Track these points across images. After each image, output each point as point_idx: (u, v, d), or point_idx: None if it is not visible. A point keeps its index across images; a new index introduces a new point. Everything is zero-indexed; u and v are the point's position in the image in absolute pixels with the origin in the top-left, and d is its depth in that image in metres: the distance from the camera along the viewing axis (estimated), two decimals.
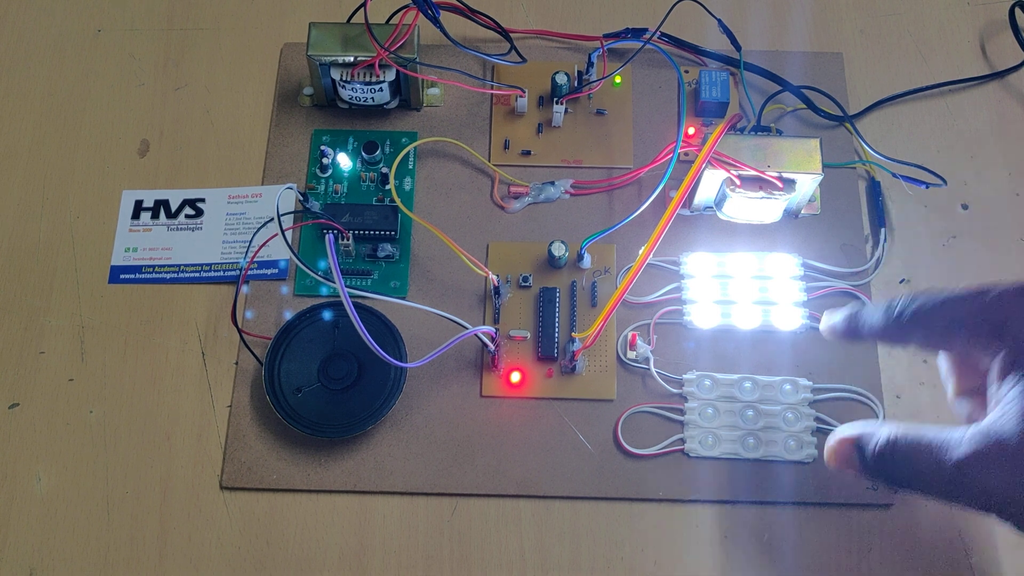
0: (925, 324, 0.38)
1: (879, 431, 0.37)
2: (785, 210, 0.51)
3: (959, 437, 0.35)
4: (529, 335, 0.50)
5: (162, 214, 0.54)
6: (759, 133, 0.52)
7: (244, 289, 0.52)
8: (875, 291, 0.52)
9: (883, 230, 0.53)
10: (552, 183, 0.54)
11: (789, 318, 0.50)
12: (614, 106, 0.56)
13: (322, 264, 0.52)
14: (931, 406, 0.49)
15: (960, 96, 0.57)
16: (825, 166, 0.48)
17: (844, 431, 0.39)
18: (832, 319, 0.42)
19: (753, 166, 0.48)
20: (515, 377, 0.49)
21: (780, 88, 0.56)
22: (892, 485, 0.38)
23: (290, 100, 0.57)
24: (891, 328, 0.39)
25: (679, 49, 0.57)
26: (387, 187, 0.54)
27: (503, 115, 0.56)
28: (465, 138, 0.55)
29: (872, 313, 0.40)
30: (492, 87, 0.56)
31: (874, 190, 0.54)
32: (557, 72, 0.54)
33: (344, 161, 0.54)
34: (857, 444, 0.38)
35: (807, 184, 0.49)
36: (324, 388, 0.48)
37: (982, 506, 0.34)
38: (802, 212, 0.53)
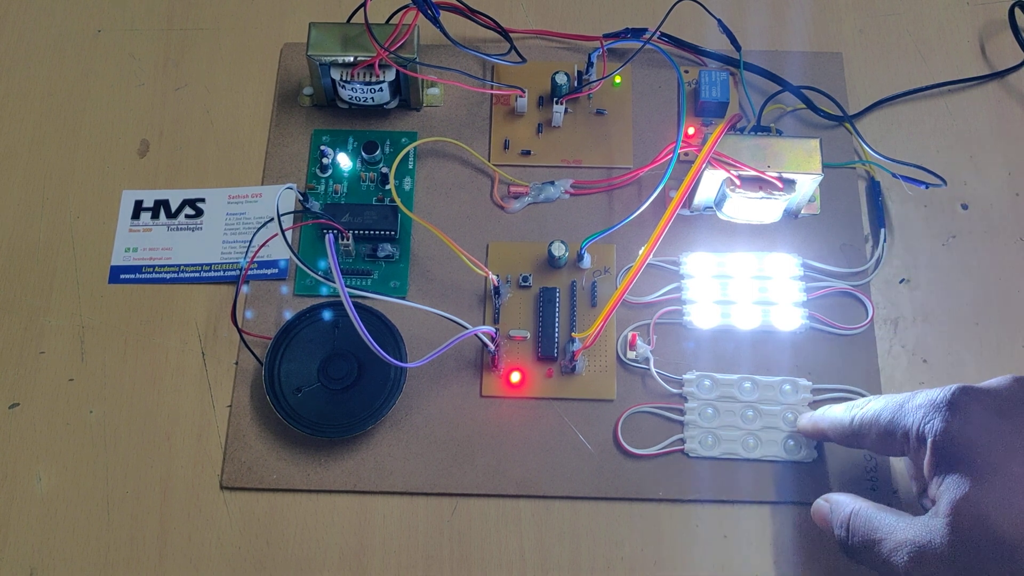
0: (867, 433, 0.41)
1: (845, 507, 0.41)
2: (785, 210, 0.51)
3: (902, 538, 0.37)
4: (529, 335, 0.50)
5: (162, 214, 0.54)
6: (759, 133, 0.52)
7: (244, 289, 0.52)
8: (875, 291, 0.52)
9: (883, 230, 0.53)
10: (552, 183, 0.54)
11: (789, 318, 0.50)
12: (614, 106, 0.56)
13: (322, 264, 0.52)
14: None
15: (960, 96, 0.57)
16: (825, 166, 0.48)
17: (821, 417, 0.44)
18: (803, 422, 0.46)
19: (753, 166, 0.48)
20: (515, 377, 0.49)
21: (780, 88, 0.56)
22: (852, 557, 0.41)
23: (290, 100, 0.57)
24: (848, 438, 0.42)
25: (679, 49, 0.57)
26: (387, 187, 0.54)
27: (503, 115, 0.56)
28: (465, 138, 0.55)
29: (834, 421, 0.43)
30: (492, 87, 0.56)
31: (874, 190, 0.54)
32: (557, 72, 0.54)
33: (344, 161, 0.54)
34: (831, 511, 0.42)
35: (807, 184, 0.49)
36: (324, 388, 0.48)
37: None
38: (802, 212, 0.53)
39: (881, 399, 0.41)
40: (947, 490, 0.36)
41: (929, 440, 0.37)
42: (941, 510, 0.36)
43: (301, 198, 0.52)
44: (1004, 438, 0.36)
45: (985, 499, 0.35)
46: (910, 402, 0.39)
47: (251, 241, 0.53)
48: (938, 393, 0.38)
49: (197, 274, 0.52)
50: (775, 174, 0.48)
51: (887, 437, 0.40)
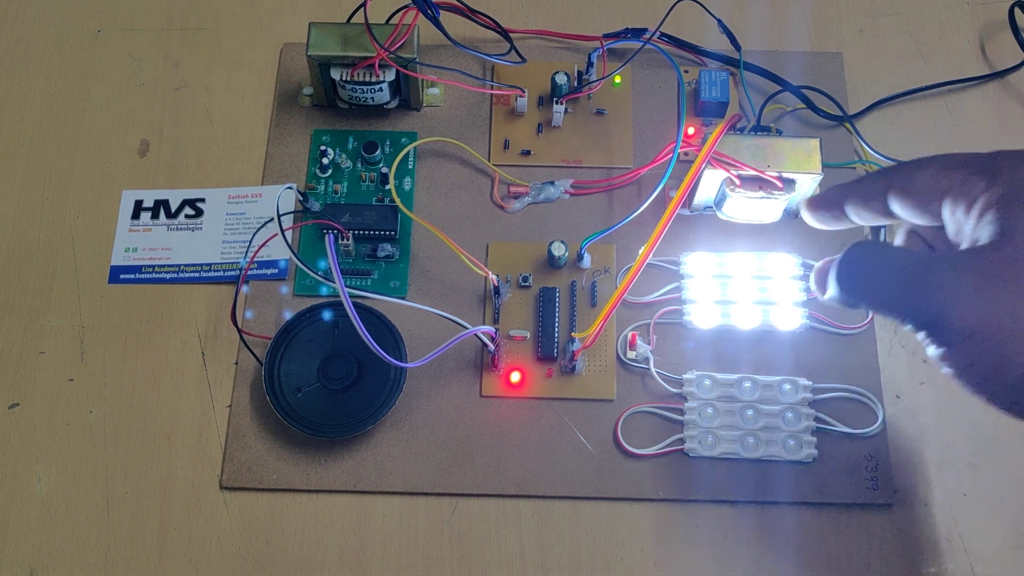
0: (912, 169, 0.36)
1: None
2: (785, 210, 0.51)
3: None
4: (529, 335, 0.50)
5: (162, 214, 0.54)
6: (759, 133, 0.52)
7: (244, 289, 0.52)
8: None
9: (883, 230, 0.53)
10: (552, 183, 0.54)
11: (789, 318, 0.50)
12: (614, 106, 0.56)
13: (322, 264, 0.52)
14: (931, 406, 0.49)
15: (960, 96, 0.57)
16: (825, 166, 0.48)
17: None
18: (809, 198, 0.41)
19: (753, 166, 0.48)
20: (515, 377, 0.49)
21: (780, 88, 0.56)
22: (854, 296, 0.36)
23: (290, 100, 0.57)
24: (871, 178, 0.38)
25: (679, 49, 0.57)
26: (387, 187, 0.54)
27: (503, 115, 0.56)
28: (465, 138, 0.55)
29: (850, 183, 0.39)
30: (492, 87, 0.56)
31: None
32: (557, 72, 0.54)
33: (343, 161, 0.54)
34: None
35: (807, 184, 0.49)
36: (324, 388, 0.48)
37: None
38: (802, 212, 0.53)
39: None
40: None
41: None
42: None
43: (301, 198, 0.52)
44: None
45: None
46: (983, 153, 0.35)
47: (251, 241, 0.52)
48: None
49: (197, 274, 0.52)
50: (775, 174, 0.48)
51: (950, 167, 0.35)
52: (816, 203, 0.41)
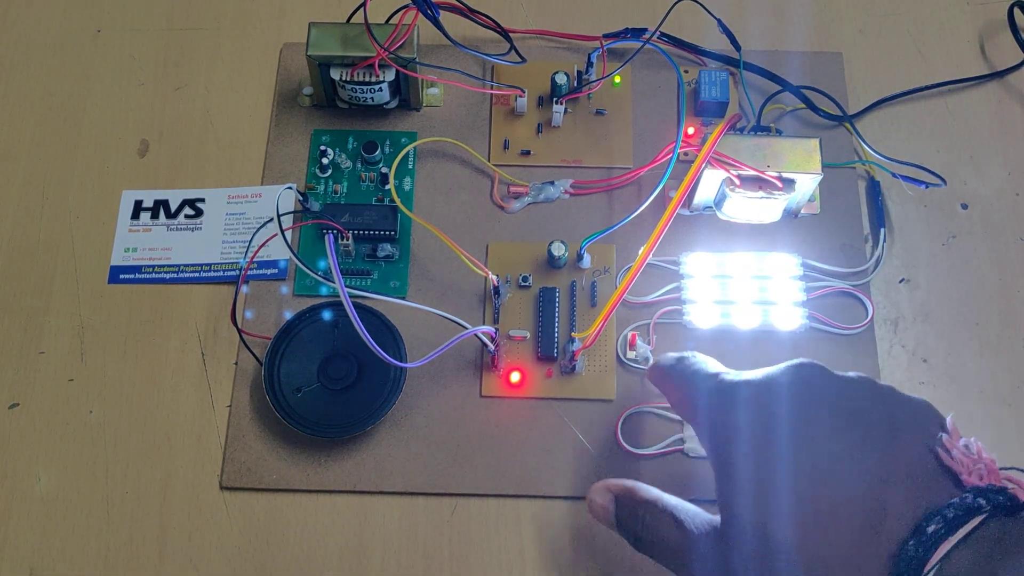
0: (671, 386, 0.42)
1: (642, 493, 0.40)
2: (785, 210, 0.51)
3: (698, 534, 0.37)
4: (529, 335, 0.50)
5: (162, 214, 0.54)
6: (759, 133, 0.52)
7: (244, 289, 0.52)
8: (875, 291, 0.52)
9: (883, 230, 0.53)
10: (552, 183, 0.54)
11: (789, 318, 0.50)
12: (614, 106, 0.56)
13: (322, 264, 0.52)
14: None
15: (960, 96, 0.57)
16: (825, 166, 0.48)
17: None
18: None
19: (753, 166, 0.48)
20: (515, 377, 0.49)
21: (780, 88, 0.56)
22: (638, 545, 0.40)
23: (290, 100, 0.57)
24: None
25: (679, 49, 0.57)
26: (387, 187, 0.54)
27: (503, 115, 0.56)
28: (465, 138, 0.55)
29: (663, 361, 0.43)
30: (492, 87, 0.56)
31: (874, 190, 0.54)
32: (557, 72, 0.54)
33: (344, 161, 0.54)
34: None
35: (807, 184, 0.49)
36: (324, 388, 0.48)
37: None
38: (802, 212, 0.53)
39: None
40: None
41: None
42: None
43: (301, 198, 0.52)
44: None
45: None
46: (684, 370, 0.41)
47: (251, 241, 0.53)
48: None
49: (197, 274, 0.52)
50: (775, 174, 0.48)
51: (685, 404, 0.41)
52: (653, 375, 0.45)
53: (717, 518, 0.37)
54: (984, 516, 0.30)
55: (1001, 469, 0.32)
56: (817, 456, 0.34)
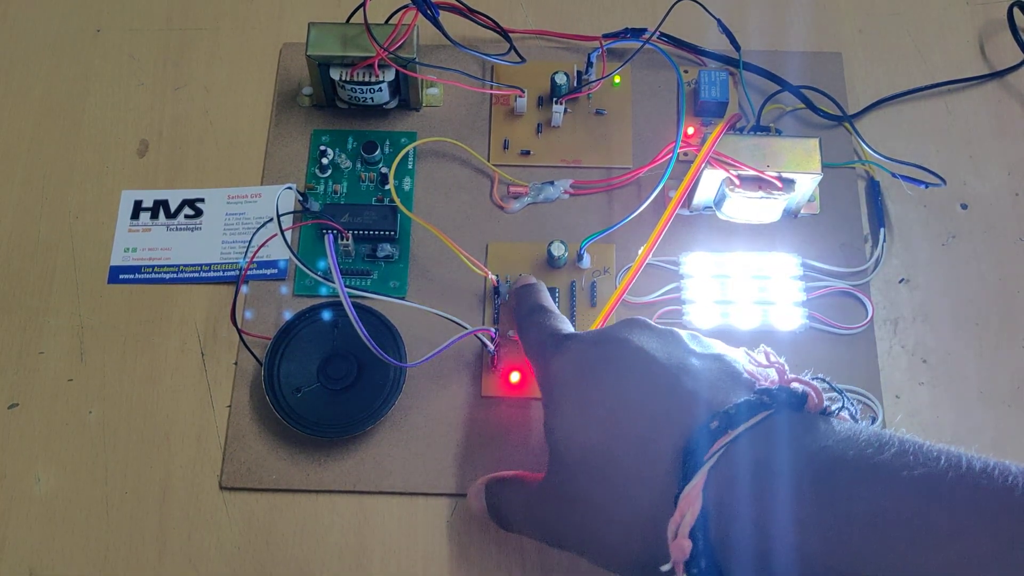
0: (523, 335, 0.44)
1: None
2: (784, 210, 0.51)
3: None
4: None
5: (161, 214, 0.54)
6: (758, 133, 0.52)
7: (243, 289, 0.52)
8: (875, 291, 0.52)
9: (882, 230, 0.53)
10: (551, 183, 0.54)
11: (789, 318, 0.50)
12: (613, 106, 0.56)
13: (321, 264, 0.52)
14: (931, 406, 0.49)
15: (959, 96, 0.57)
16: (824, 166, 0.48)
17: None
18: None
19: (752, 166, 0.48)
20: (515, 377, 0.49)
21: (779, 88, 0.56)
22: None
23: (289, 100, 0.57)
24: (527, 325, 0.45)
25: (678, 49, 0.57)
26: (386, 187, 0.54)
27: (502, 115, 0.56)
28: (464, 138, 0.55)
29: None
30: (491, 87, 0.56)
31: (873, 190, 0.54)
32: (556, 72, 0.54)
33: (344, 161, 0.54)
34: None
35: (806, 184, 0.49)
36: (323, 388, 0.48)
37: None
38: (801, 212, 0.53)
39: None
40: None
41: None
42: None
43: (300, 198, 0.52)
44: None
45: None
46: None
47: (250, 241, 0.52)
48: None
49: (196, 274, 0.52)
50: (774, 174, 0.48)
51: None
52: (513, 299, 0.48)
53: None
54: (770, 412, 0.33)
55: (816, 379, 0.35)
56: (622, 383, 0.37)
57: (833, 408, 0.34)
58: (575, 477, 0.36)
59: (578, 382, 0.38)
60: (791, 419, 0.33)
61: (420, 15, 0.50)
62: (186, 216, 0.54)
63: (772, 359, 0.36)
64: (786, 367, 0.36)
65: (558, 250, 0.50)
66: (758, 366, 0.37)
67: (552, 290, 0.50)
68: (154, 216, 0.54)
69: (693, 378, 0.35)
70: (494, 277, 0.49)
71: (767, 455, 0.31)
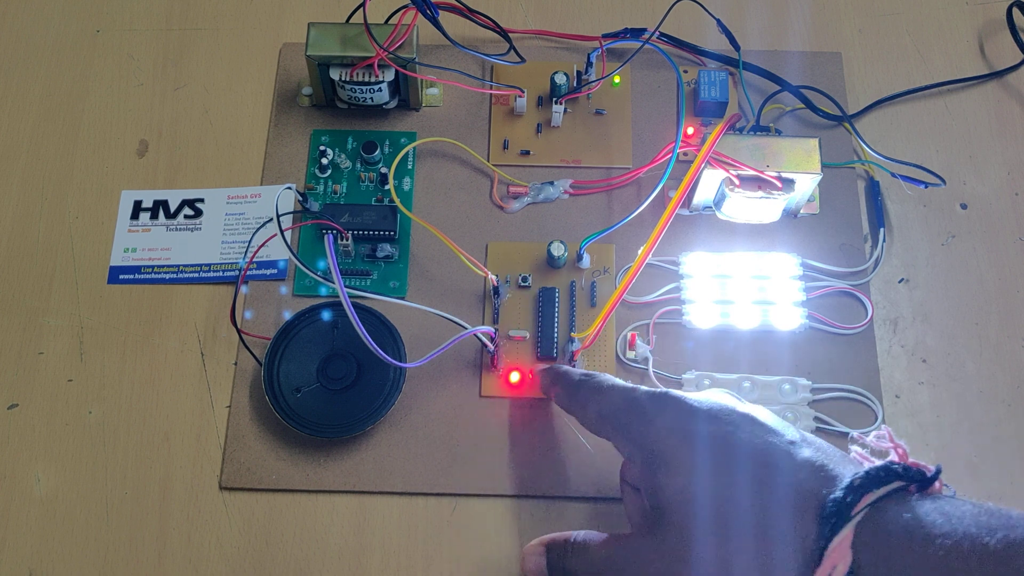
0: (595, 413, 0.42)
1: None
2: (784, 210, 0.51)
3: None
4: (528, 335, 0.50)
5: (161, 214, 0.54)
6: (758, 133, 0.52)
7: (243, 289, 0.52)
8: (874, 290, 0.52)
9: (882, 230, 0.53)
10: (551, 183, 0.54)
11: (788, 318, 0.50)
12: (613, 106, 0.56)
13: (321, 264, 0.52)
14: (930, 406, 0.49)
15: (959, 96, 0.57)
16: (824, 166, 0.48)
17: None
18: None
19: (752, 166, 0.48)
20: (514, 377, 0.49)
21: (779, 88, 0.56)
22: None
23: (289, 100, 0.57)
24: (576, 390, 0.43)
25: (678, 49, 0.57)
26: (386, 187, 0.54)
27: (502, 115, 0.56)
28: (464, 138, 0.55)
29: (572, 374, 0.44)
30: (491, 87, 0.56)
31: (873, 190, 0.54)
32: (556, 72, 0.54)
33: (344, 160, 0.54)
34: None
35: (806, 184, 0.49)
36: (323, 388, 0.48)
37: None
38: (801, 212, 0.53)
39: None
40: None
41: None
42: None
43: (300, 198, 0.52)
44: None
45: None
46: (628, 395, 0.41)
47: (250, 241, 0.52)
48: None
49: (196, 274, 0.52)
50: (774, 174, 0.48)
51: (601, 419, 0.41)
52: (544, 381, 0.46)
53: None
54: (902, 483, 0.33)
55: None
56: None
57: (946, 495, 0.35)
58: (690, 534, 0.36)
59: (692, 441, 0.37)
60: (925, 495, 0.34)
61: (420, 15, 0.50)
62: (186, 216, 0.54)
63: (894, 440, 0.37)
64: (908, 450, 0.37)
65: (558, 250, 0.50)
66: (875, 441, 0.38)
67: (552, 290, 0.50)
68: (154, 216, 0.54)
69: (809, 446, 0.36)
70: (494, 277, 0.49)
71: (914, 522, 0.32)
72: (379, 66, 0.52)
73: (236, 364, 0.50)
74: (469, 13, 0.54)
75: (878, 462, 0.35)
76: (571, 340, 0.48)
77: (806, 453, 0.35)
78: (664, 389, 0.40)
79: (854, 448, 0.38)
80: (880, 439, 0.37)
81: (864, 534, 0.32)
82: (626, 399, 0.40)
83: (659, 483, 0.37)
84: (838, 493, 0.33)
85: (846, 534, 0.32)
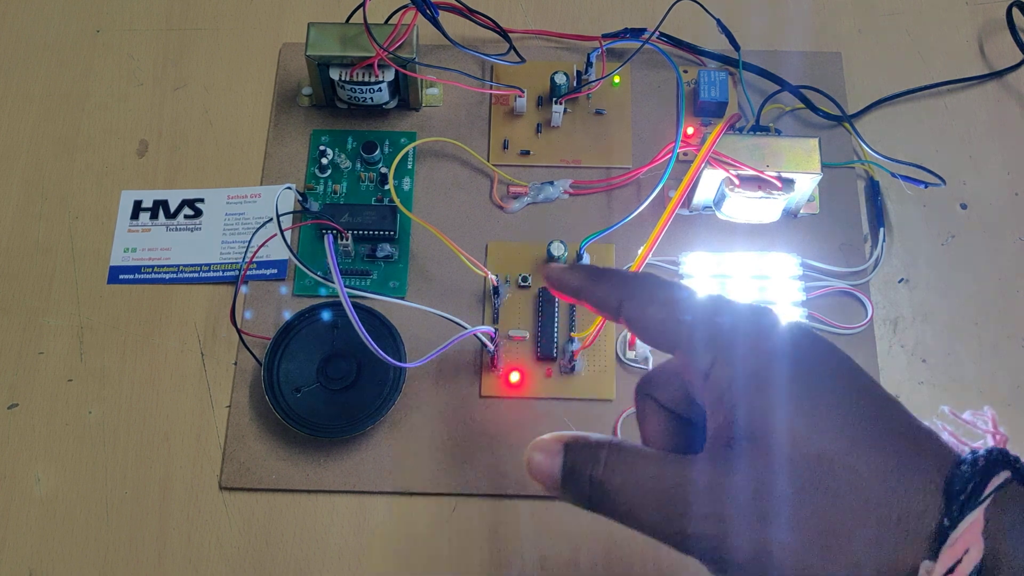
0: (645, 300, 0.33)
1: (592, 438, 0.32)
2: (784, 210, 0.51)
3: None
4: (528, 335, 0.50)
5: (161, 214, 0.54)
6: (758, 133, 0.52)
7: (243, 289, 0.52)
8: (874, 290, 0.52)
9: (882, 230, 0.53)
10: (551, 183, 0.54)
11: (788, 318, 0.50)
12: (613, 106, 0.56)
13: (321, 264, 0.52)
14: (931, 406, 0.49)
15: (959, 96, 0.57)
16: (824, 166, 0.48)
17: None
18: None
19: (752, 166, 0.48)
20: (514, 377, 0.49)
21: (779, 88, 0.56)
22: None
23: (289, 100, 0.57)
24: (608, 281, 0.34)
25: (678, 49, 0.57)
26: (386, 187, 0.54)
27: (502, 115, 0.56)
28: (464, 138, 0.55)
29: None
30: (491, 87, 0.56)
31: (873, 190, 0.54)
32: (556, 72, 0.54)
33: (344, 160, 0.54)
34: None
35: (806, 184, 0.49)
36: (323, 388, 0.48)
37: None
38: (801, 212, 0.53)
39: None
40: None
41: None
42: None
43: (300, 198, 0.52)
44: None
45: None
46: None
47: (250, 241, 0.52)
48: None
49: (196, 274, 0.52)
50: (774, 174, 0.48)
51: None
52: (556, 279, 0.36)
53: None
54: (1010, 475, 0.28)
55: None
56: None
57: None
58: (790, 476, 0.28)
59: (822, 377, 0.30)
60: None
61: (420, 15, 0.50)
62: (186, 216, 0.54)
63: (996, 427, 0.32)
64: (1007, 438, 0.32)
65: (558, 250, 0.50)
66: (972, 419, 0.32)
67: None
68: (154, 216, 0.54)
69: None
70: (494, 277, 0.49)
71: None
72: (379, 66, 0.52)
73: (236, 364, 0.50)
74: (469, 13, 0.54)
75: (972, 444, 0.30)
76: (571, 340, 0.48)
77: (917, 420, 0.30)
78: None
79: (940, 423, 0.31)
80: (979, 418, 0.32)
81: (997, 520, 0.27)
82: (742, 309, 0.32)
83: (766, 405, 0.29)
84: (965, 468, 0.28)
85: (977, 516, 0.27)
